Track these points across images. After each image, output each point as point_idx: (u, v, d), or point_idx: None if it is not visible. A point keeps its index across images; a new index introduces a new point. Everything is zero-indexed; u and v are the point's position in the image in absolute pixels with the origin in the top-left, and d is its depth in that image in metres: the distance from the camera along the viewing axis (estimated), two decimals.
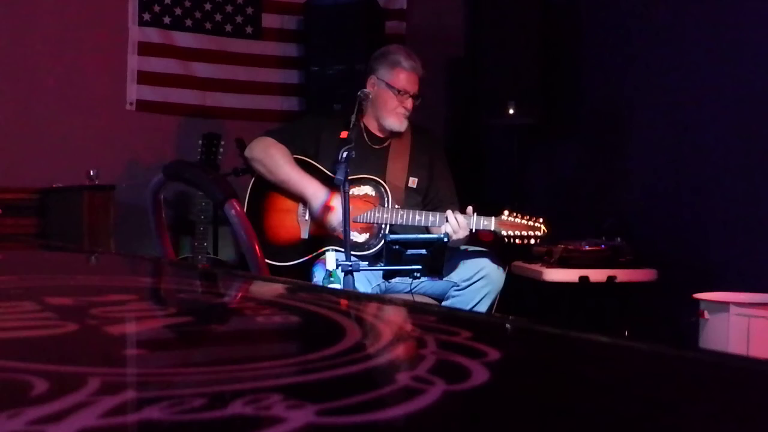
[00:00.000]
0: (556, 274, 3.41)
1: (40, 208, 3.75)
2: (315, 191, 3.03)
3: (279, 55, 4.71)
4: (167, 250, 1.62)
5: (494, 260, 3.02)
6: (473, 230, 2.91)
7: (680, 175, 3.82)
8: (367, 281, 2.98)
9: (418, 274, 2.52)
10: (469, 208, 2.93)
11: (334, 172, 2.74)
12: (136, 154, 4.30)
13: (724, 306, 2.93)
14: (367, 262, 2.92)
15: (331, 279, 2.46)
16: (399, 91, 3.12)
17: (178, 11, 4.47)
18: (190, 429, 0.37)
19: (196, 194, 3.88)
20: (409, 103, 3.14)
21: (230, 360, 0.54)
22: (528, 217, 2.92)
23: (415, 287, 2.92)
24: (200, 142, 3.98)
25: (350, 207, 2.63)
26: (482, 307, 2.97)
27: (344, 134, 2.81)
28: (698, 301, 3.04)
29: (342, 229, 2.63)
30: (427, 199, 3.19)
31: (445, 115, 5.04)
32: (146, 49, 4.39)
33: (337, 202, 2.90)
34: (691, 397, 0.47)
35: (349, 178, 2.66)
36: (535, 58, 4.23)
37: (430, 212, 2.99)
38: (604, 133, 4.31)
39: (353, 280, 2.49)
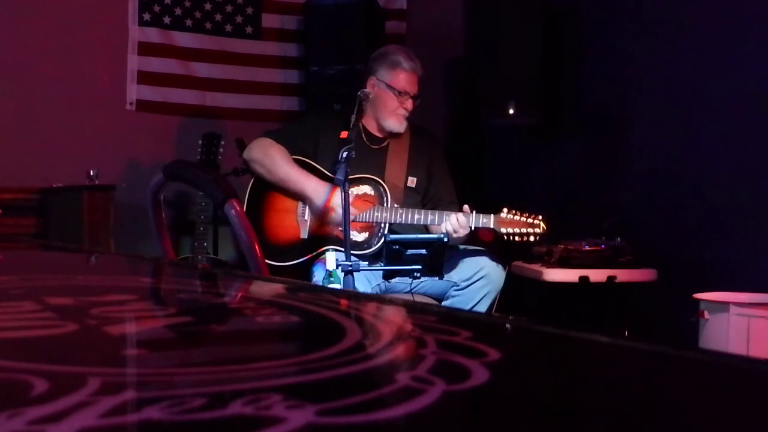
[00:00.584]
0: (556, 274, 3.41)
1: (40, 208, 3.75)
2: (315, 189, 3.03)
3: (279, 55, 4.71)
4: (167, 250, 1.62)
5: (494, 260, 3.02)
6: (473, 228, 2.91)
7: (680, 175, 3.82)
8: (367, 281, 2.98)
9: (418, 274, 2.52)
10: (466, 207, 2.94)
11: (334, 173, 2.74)
12: (136, 154, 4.30)
13: (724, 306, 2.93)
14: (366, 262, 2.92)
15: (331, 279, 2.46)
16: (399, 92, 3.12)
17: (178, 11, 4.47)
18: (190, 429, 0.37)
19: (196, 194, 3.88)
20: (409, 103, 3.14)
21: (230, 360, 0.54)
22: (527, 215, 2.93)
23: (415, 287, 2.92)
24: (200, 142, 3.98)
25: (350, 206, 2.63)
26: (482, 307, 2.97)
27: (344, 134, 2.81)
28: (698, 301, 3.04)
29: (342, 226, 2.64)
30: (426, 199, 3.20)
31: (445, 115, 5.03)
32: (146, 49, 4.39)
33: (337, 200, 2.90)
34: (691, 397, 0.47)
35: (349, 177, 2.66)
36: (535, 58, 4.23)
37: (429, 211, 2.99)
38: (604, 133, 4.31)
39: (353, 280, 2.49)
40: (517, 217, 2.91)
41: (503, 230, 2.91)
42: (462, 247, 3.05)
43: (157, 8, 4.42)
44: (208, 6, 4.55)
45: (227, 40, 4.60)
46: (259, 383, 0.44)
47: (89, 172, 3.75)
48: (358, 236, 3.03)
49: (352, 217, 2.75)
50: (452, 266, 2.96)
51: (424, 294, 3.06)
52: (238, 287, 1.05)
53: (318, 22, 4.46)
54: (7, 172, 3.80)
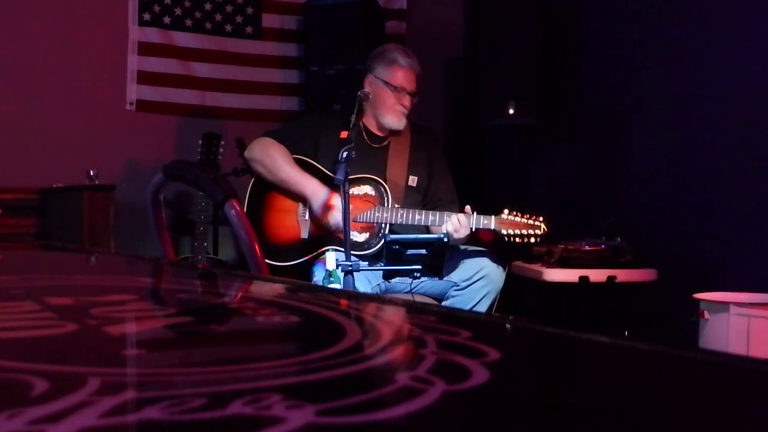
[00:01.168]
0: (556, 274, 3.41)
1: (40, 208, 3.75)
2: (315, 190, 3.03)
3: (279, 55, 4.71)
4: (167, 250, 1.62)
5: (494, 260, 3.02)
6: (473, 229, 2.91)
7: (680, 176, 3.82)
8: (367, 281, 2.98)
9: (418, 274, 2.52)
10: (468, 207, 2.94)
11: (334, 172, 2.74)
12: (136, 154, 4.30)
13: (724, 306, 2.93)
14: (367, 262, 2.92)
15: (331, 279, 2.46)
16: (396, 88, 3.12)
17: (178, 11, 4.47)
18: (190, 429, 0.37)
19: (196, 194, 3.88)
20: (406, 100, 3.14)
21: (230, 360, 0.54)
22: (528, 216, 2.93)
23: (415, 287, 2.92)
24: (200, 142, 3.98)
25: (350, 206, 2.63)
26: (482, 307, 2.98)
27: (344, 134, 2.81)
28: (698, 301, 3.04)
29: (342, 228, 2.63)
30: (427, 198, 3.20)
31: (445, 115, 5.04)
32: (146, 49, 4.39)
33: (337, 201, 2.90)
34: (691, 397, 0.47)
35: (349, 177, 2.66)
36: (535, 58, 4.23)
37: (430, 211, 2.99)
38: (604, 133, 4.31)
39: (353, 280, 2.49)
40: (518, 218, 2.91)
41: (504, 231, 2.91)
42: (462, 247, 3.05)
43: (157, 8, 4.42)
44: (208, 6, 4.55)
45: (227, 40, 4.60)
46: (259, 383, 0.44)
47: (89, 172, 3.75)
48: (358, 236, 3.03)
49: (352, 218, 2.75)
50: (452, 266, 2.96)
51: (424, 294, 3.06)
52: (238, 287, 1.05)
53: (318, 22, 4.46)
54: (7, 172, 3.79)
